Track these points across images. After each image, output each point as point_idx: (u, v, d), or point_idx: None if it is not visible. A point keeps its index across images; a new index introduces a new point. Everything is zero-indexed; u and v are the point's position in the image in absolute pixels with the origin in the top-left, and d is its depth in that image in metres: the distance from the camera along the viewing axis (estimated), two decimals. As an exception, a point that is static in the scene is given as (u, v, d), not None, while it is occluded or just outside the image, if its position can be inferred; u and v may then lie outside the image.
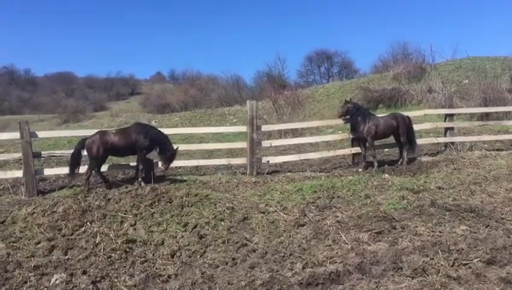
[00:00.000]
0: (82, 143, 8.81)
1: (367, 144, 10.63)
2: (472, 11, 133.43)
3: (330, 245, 6.11)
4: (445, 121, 12.25)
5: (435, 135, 13.51)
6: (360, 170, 10.39)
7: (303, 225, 6.86)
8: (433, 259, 5.33)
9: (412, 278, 4.89)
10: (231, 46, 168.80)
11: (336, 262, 5.51)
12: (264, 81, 51.63)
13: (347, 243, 6.09)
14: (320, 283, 4.97)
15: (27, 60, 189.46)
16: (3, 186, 10.04)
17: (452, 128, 12.21)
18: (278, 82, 40.72)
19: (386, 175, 9.58)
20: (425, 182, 8.87)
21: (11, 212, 7.36)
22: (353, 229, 6.58)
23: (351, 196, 8.06)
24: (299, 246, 6.17)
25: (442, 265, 5.16)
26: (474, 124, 14.29)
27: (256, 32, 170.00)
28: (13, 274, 5.56)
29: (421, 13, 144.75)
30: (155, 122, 10.30)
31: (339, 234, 6.42)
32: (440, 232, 6.25)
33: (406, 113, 11.41)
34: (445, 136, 12.23)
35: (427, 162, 11.01)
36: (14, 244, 6.38)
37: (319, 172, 10.46)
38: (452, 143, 12.01)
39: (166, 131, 10.02)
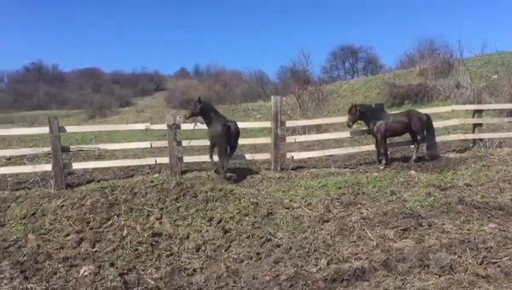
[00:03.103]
0: (227, 129, 9.29)
1: (379, 142, 10.56)
2: (502, 3, 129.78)
3: (355, 241, 6.07)
4: (473, 117, 12.02)
5: (462, 131, 13.26)
6: (382, 167, 10.26)
7: (327, 221, 6.83)
8: (461, 257, 5.24)
9: (439, 276, 4.82)
10: (255, 41, 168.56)
11: (361, 259, 5.47)
12: (288, 77, 51.47)
13: (372, 240, 6.04)
14: (346, 279, 4.95)
15: (55, 55, 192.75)
16: (33, 180, 10.29)
17: (480, 125, 11.98)
18: (302, 77, 40.50)
19: (412, 172, 9.45)
20: (452, 179, 8.72)
21: (41, 204, 7.52)
22: (378, 225, 6.51)
23: (376, 192, 7.98)
24: (324, 242, 6.15)
25: (470, 263, 5.07)
26: (503, 120, 13.95)
27: (280, 28, 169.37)
28: (43, 265, 5.70)
29: (449, 6, 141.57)
30: (179, 117, 10.34)
31: (364, 230, 6.37)
32: (468, 230, 6.14)
33: (431, 110, 11.27)
34: (473, 132, 12.01)
35: (454, 158, 10.83)
36: (44, 236, 6.54)
37: (344, 168, 10.40)
38: (480, 140, 11.79)
39: (190, 126, 10.13)
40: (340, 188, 8.13)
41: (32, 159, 13.04)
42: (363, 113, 10.51)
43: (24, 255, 5.97)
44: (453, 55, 30.26)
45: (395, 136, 11.11)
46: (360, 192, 7.93)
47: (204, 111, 9.61)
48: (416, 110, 11.16)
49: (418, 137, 10.65)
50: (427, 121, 10.64)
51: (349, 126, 10.82)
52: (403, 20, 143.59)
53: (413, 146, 11.25)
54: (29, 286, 5.06)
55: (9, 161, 13.37)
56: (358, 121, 10.96)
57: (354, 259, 5.50)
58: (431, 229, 6.25)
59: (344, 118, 13.83)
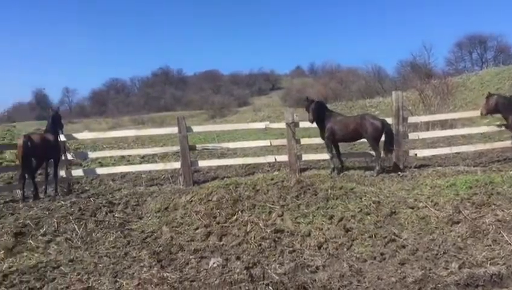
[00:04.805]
0: (384, 125, 9.28)
1: None
2: None
3: (490, 245, 5.65)
4: None
5: None
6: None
7: (457, 223, 6.42)
8: None
9: None
10: (372, 36, 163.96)
11: (498, 264, 5.08)
12: (408, 71, 49.18)
13: (510, 244, 5.56)
14: (480, 285, 4.64)
15: (179, 60, 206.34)
16: (164, 177, 11.14)
17: None
18: (424, 71, 38.42)
19: (559, 170, 8.45)
20: None
21: (173, 199, 8.12)
22: (517, 229, 5.96)
23: (513, 192, 7.28)
24: (454, 244, 5.81)
25: None
26: None
27: (399, 19, 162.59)
28: (177, 256, 6.15)
29: None
30: (296, 115, 10.42)
31: (500, 233, 5.89)
32: None
33: None
34: None
35: None
36: (176, 229, 7.06)
37: (474, 166, 9.66)
38: None
39: (306, 124, 10.15)
40: (470, 187, 7.55)
41: (163, 157, 14.12)
42: (500, 105, 9.58)
43: (160, 246, 6.50)
44: None
45: None
46: (494, 192, 7.29)
47: (319, 110, 9.57)
48: None
49: None
50: None
51: (482, 115, 9.98)
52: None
53: None
54: (165, 275, 5.49)
55: (143, 159, 14.64)
56: (493, 115, 10.05)
57: (490, 264, 5.12)
58: None
59: (473, 113, 12.88)
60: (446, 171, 9.16)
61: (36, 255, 6.25)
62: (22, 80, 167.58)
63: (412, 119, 11.09)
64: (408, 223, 6.62)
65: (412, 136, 10.49)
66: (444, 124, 15.56)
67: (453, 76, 35.08)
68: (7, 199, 9.61)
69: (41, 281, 5.47)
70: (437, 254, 5.57)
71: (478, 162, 10.33)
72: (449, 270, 5.06)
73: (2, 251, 6.28)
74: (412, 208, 7.05)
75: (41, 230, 6.95)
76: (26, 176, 9.02)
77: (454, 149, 10.60)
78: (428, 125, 15.52)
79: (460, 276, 4.84)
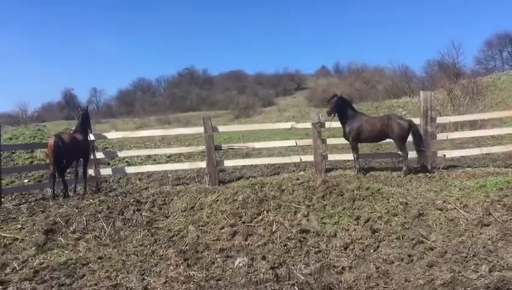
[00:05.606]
0: (411, 125, 9.16)
1: None
2: None
3: (521, 248, 5.50)
4: None
5: None
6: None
7: (487, 225, 6.27)
8: None
9: None
10: (399, 35, 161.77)
11: (530, 267, 4.94)
12: (436, 71, 48.24)
13: (543, 248, 5.41)
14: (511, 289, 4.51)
15: (204, 60, 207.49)
16: (190, 176, 11.24)
17: None
18: (452, 70, 37.64)
19: None
20: None
21: (199, 199, 8.17)
22: (550, 232, 5.80)
23: (547, 195, 7.07)
24: (484, 247, 5.68)
25: None
26: None
27: (426, 18, 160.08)
28: (203, 255, 6.20)
29: None
30: (322, 115, 10.35)
31: (532, 237, 5.73)
32: None
33: None
34: None
35: None
36: (202, 228, 7.12)
37: (505, 168, 9.42)
38: None
39: (332, 124, 10.06)
40: (501, 189, 7.36)
41: (189, 157, 14.25)
42: None
43: (186, 245, 6.56)
44: None
45: None
46: (525, 194, 7.11)
47: (341, 107, 9.50)
48: None
49: None
50: None
51: None
52: None
53: None
54: (191, 273, 5.54)
55: (169, 158, 14.81)
56: None
57: (521, 267, 4.98)
58: None
59: (503, 113, 12.59)
60: (476, 173, 8.96)
61: (66, 252, 6.39)
62: (51, 80, 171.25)
63: (440, 120, 10.88)
64: (436, 225, 6.50)
65: (440, 136, 10.31)
66: (473, 125, 15.25)
67: (482, 75, 34.22)
68: (38, 197, 9.89)
69: (71, 278, 5.60)
70: (466, 257, 5.46)
71: (509, 163, 10.08)
72: (479, 274, 4.95)
73: (34, 248, 6.43)
74: (441, 209, 6.93)
75: (71, 227, 7.11)
76: (57, 174, 9.22)
77: (484, 150, 10.36)
78: (457, 126, 15.23)
79: (491, 279, 4.73)
